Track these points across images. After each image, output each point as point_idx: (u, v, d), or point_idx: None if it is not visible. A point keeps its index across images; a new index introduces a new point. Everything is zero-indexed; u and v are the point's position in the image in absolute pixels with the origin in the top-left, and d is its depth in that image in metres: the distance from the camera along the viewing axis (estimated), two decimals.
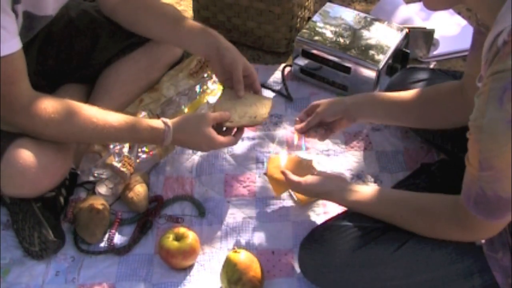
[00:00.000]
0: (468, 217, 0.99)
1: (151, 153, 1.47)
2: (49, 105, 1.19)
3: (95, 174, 1.40)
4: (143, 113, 1.48)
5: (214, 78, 1.61)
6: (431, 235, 1.09)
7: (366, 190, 1.20)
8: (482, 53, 0.93)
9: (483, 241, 1.08)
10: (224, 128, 1.36)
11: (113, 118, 1.25)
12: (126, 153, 1.41)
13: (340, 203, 1.23)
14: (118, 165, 1.38)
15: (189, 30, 1.40)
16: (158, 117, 1.49)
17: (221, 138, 1.31)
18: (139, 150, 1.46)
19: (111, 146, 1.42)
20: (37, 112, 1.18)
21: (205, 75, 1.63)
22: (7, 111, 1.18)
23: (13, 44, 1.13)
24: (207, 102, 1.57)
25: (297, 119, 1.39)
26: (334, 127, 1.36)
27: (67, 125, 1.22)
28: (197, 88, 1.60)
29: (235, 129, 1.37)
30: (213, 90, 1.61)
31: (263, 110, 1.37)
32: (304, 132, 1.35)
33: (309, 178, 1.26)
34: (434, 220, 1.08)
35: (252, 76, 1.39)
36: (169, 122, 1.30)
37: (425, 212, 1.10)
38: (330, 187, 1.23)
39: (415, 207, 1.11)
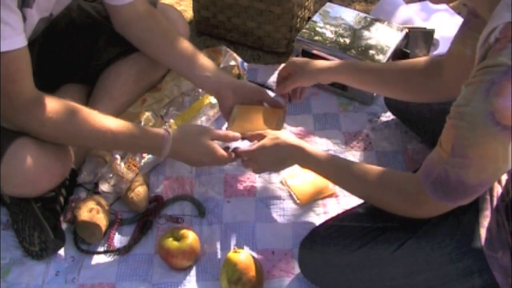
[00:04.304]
0: (420, 193, 1.01)
1: None
2: (48, 104, 1.19)
3: (98, 174, 1.40)
4: (147, 114, 1.48)
5: None
6: (380, 205, 1.11)
7: (326, 156, 1.22)
8: (477, 46, 0.94)
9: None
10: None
11: (111, 121, 1.24)
12: (130, 154, 1.41)
13: (301, 164, 1.25)
14: (123, 166, 1.38)
15: (204, 68, 1.41)
16: (161, 118, 1.49)
17: (222, 151, 1.30)
18: None
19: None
20: (36, 111, 1.18)
21: None
22: (8, 108, 1.17)
23: (16, 41, 1.11)
24: (210, 103, 1.57)
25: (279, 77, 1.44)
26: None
27: (65, 125, 1.21)
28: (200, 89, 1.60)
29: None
30: None
31: (280, 120, 1.38)
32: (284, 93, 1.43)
33: (261, 145, 1.26)
34: (387, 190, 1.09)
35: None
36: (170, 130, 1.29)
37: (381, 181, 1.11)
38: (289, 153, 1.24)
39: (374, 176, 1.13)
